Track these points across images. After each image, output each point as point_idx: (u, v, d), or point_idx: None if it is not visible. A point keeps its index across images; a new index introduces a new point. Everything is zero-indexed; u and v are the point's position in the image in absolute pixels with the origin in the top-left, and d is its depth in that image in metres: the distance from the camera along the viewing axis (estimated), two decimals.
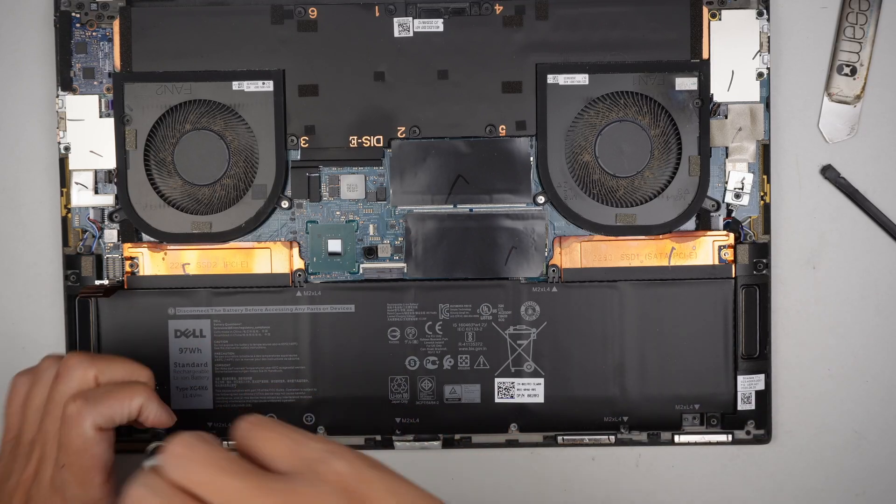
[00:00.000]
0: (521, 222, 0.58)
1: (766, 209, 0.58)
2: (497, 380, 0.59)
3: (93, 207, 0.58)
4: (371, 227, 0.58)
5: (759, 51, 0.58)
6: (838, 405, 0.60)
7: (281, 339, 0.58)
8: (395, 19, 0.57)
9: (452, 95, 0.57)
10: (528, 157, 0.58)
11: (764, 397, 0.59)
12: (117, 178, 0.57)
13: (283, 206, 0.58)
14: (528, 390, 0.58)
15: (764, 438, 0.59)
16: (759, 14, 0.57)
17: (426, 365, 0.58)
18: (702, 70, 0.57)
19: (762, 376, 0.59)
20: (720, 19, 0.57)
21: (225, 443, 0.43)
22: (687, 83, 0.57)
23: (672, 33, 0.57)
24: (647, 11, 0.57)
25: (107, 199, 0.58)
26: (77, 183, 0.58)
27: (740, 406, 0.59)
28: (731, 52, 0.58)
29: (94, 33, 0.58)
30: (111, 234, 0.58)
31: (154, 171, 0.57)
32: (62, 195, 0.58)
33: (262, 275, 0.58)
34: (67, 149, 0.58)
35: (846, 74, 0.59)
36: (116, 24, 0.57)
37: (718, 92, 0.58)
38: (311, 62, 0.57)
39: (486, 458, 0.59)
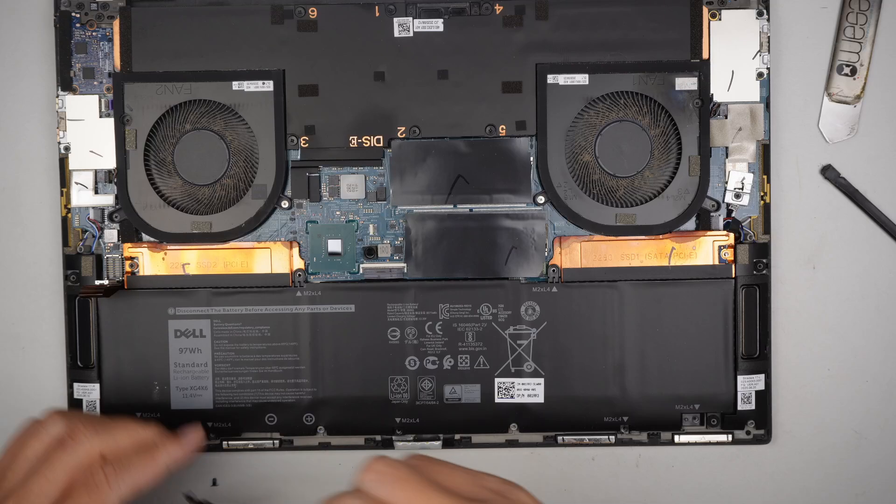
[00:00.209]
0: (521, 222, 0.58)
1: (766, 209, 0.58)
2: (497, 380, 0.58)
3: (93, 207, 0.58)
4: (371, 227, 0.58)
5: (759, 51, 0.58)
6: (838, 405, 0.60)
7: (281, 339, 0.58)
8: (395, 19, 0.57)
9: (452, 95, 0.57)
10: (528, 157, 0.58)
11: (764, 397, 0.59)
12: (117, 178, 0.57)
13: (283, 206, 0.58)
14: (528, 390, 0.58)
15: (764, 438, 0.59)
16: (759, 14, 0.57)
17: (426, 365, 0.58)
18: (702, 70, 0.57)
19: (762, 376, 0.59)
20: (720, 19, 0.57)
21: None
22: (687, 83, 0.57)
23: (672, 33, 0.57)
24: (647, 11, 0.57)
25: (107, 199, 0.58)
26: (77, 183, 0.58)
27: (740, 406, 0.58)
28: (731, 52, 0.58)
29: (94, 33, 0.58)
30: (111, 234, 0.58)
31: (154, 171, 0.57)
32: (62, 195, 0.58)
33: (262, 275, 0.58)
34: (67, 149, 0.58)
35: (846, 74, 0.59)
36: (116, 24, 0.57)
37: (718, 92, 0.58)
38: (311, 62, 0.57)
39: (486, 458, 0.59)
